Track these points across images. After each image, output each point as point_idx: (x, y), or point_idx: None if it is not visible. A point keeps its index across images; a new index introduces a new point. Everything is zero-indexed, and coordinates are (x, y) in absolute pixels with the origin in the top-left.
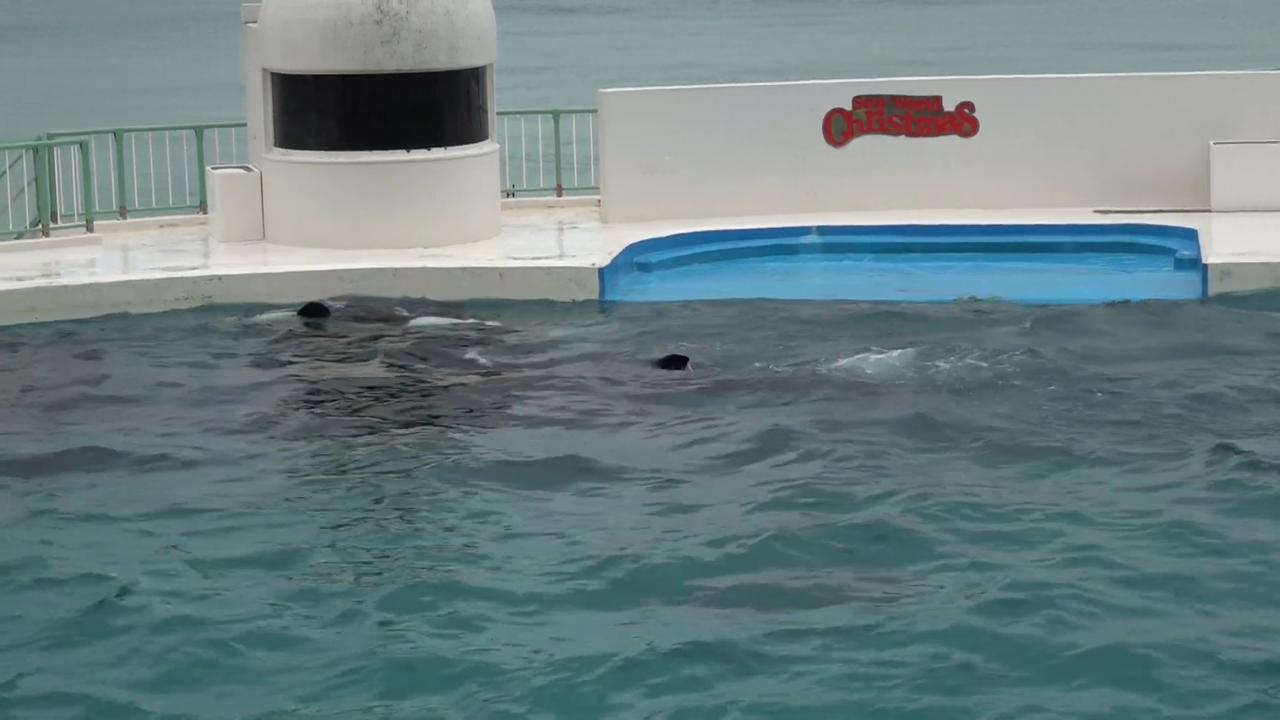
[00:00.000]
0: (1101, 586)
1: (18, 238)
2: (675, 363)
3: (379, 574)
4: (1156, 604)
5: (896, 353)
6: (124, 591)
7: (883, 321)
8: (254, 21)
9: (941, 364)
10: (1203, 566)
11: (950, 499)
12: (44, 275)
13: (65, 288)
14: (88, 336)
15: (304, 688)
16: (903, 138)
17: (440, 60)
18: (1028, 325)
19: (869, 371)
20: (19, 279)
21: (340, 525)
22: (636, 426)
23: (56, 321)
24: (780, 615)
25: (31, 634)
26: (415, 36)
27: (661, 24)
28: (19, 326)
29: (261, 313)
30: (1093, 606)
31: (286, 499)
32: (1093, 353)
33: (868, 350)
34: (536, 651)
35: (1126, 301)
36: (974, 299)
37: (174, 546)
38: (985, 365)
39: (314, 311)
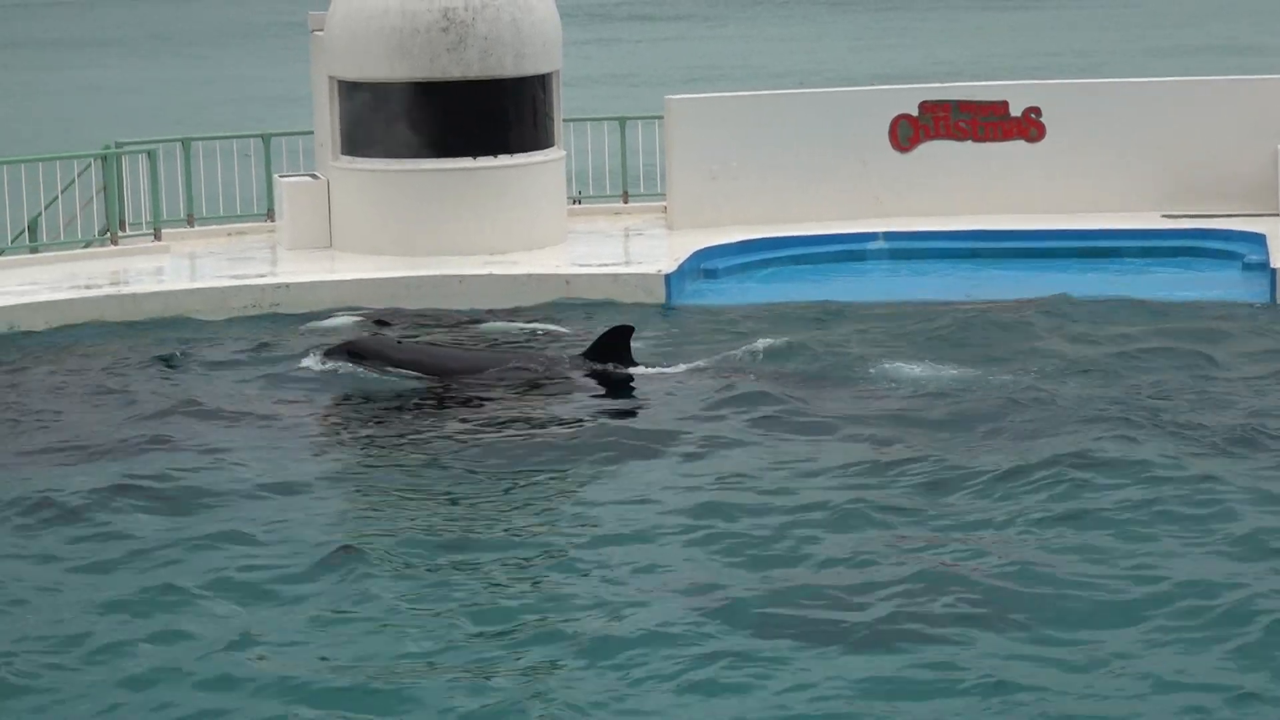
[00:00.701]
0: (1161, 592)
1: (86, 246)
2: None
3: (453, 578)
4: (1237, 622)
5: (961, 360)
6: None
7: (949, 327)
8: (321, 30)
9: (1007, 369)
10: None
11: (1012, 505)
12: (112, 284)
13: (134, 296)
14: (155, 344)
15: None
16: (969, 143)
17: (506, 67)
18: (1094, 329)
19: (936, 376)
20: (88, 287)
21: (420, 525)
22: (699, 431)
23: (124, 329)
24: (832, 619)
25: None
26: (481, 44)
27: (728, 31)
28: (88, 334)
29: (324, 319)
30: (1166, 619)
31: (353, 505)
32: (1158, 357)
33: (934, 355)
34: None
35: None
36: (1041, 302)
37: (247, 562)
38: (1051, 370)
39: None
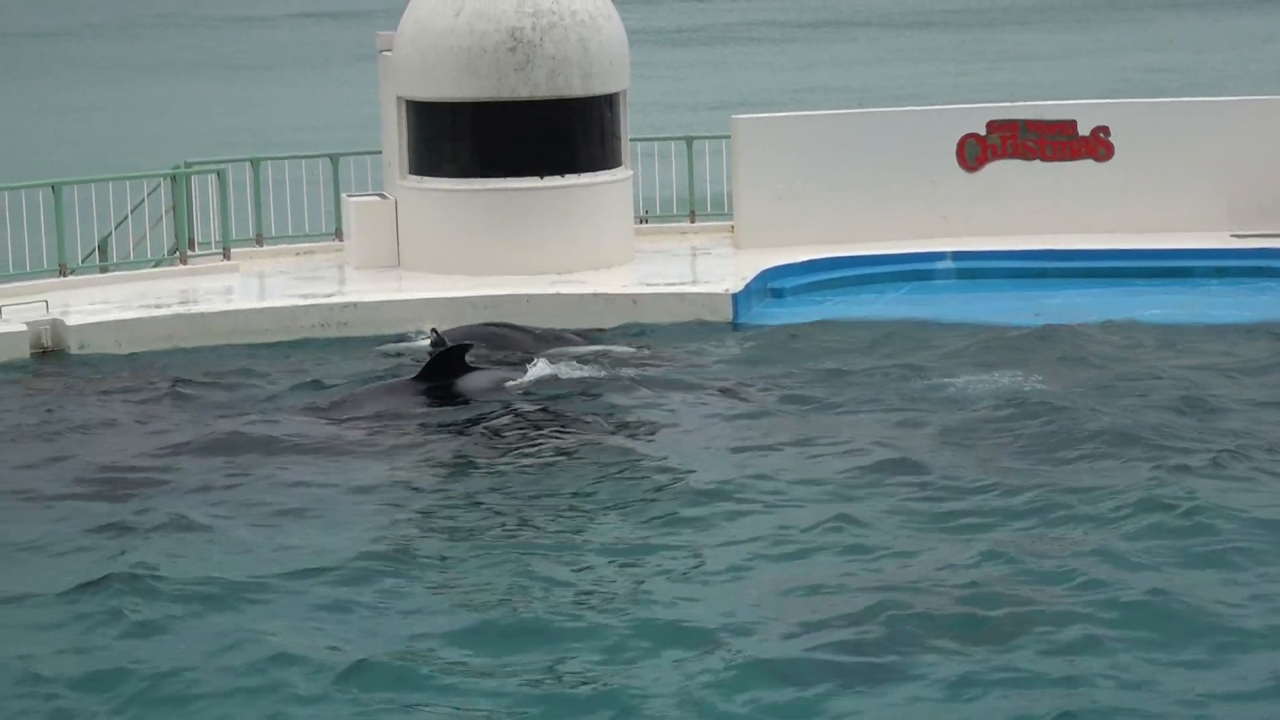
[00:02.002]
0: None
1: (156, 266)
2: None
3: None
4: None
5: (1023, 381)
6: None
7: (1017, 347)
8: (389, 50)
9: (1076, 388)
10: None
11: (1078, 525)
12: (182, 303)
13: (203, 315)
14: (225, 363)
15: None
16: (1037, 162)
17: (574, 87)
18: (1163, 349)
19: (1004, 396)
20: (157, 306)
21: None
22: (767, 449)
23: (194, 349)
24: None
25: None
26: (549, 64)
27: (795, 51)
28: (157, 354)
29: (398, 341)
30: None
31: (425, 522)
32: (1227, 377)
33: (1002, 375)
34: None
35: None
36: (1109, 323)
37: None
38: (1120, 390)
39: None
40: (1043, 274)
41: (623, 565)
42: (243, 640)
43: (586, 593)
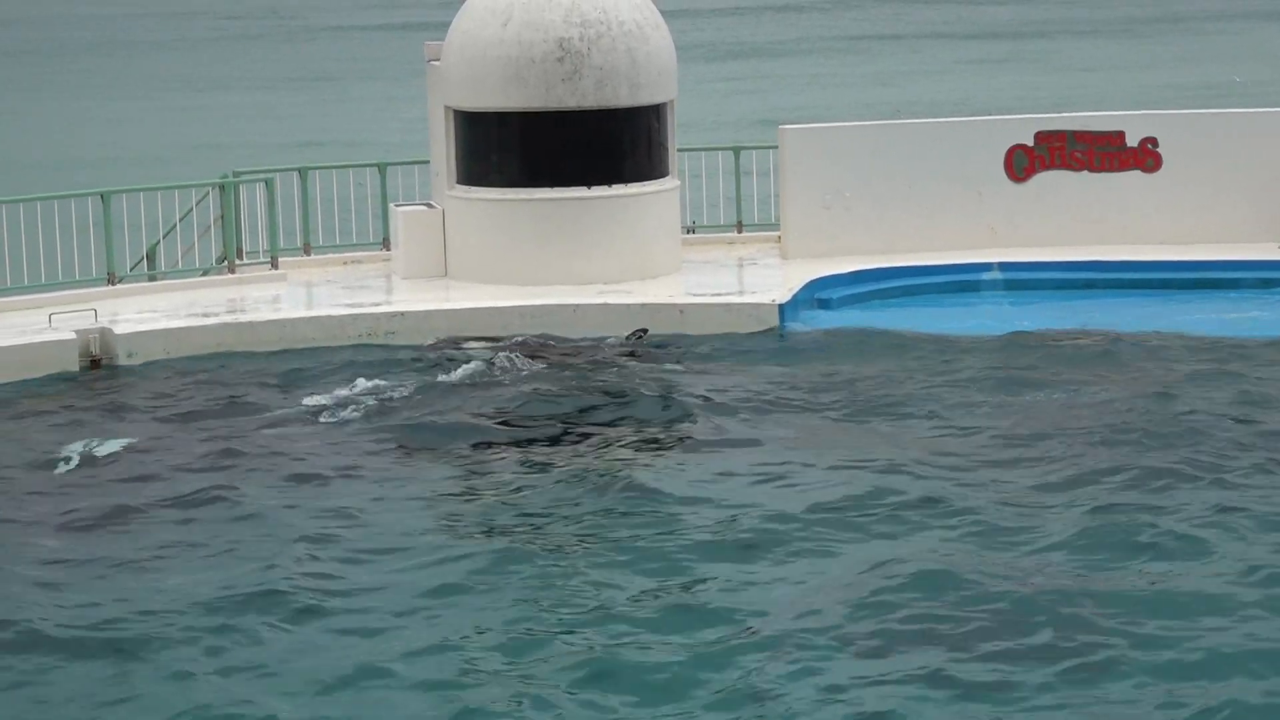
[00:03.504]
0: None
1: (204, 274)
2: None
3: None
4: None
5: (1076, 389)
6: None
7: (1064, 358)
8: (437, 59)
9: (1123, 400)
10: None
11: (1136, 541)
12: (230, 311)
13: (250, 324)
14: (272, 372)
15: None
16: (1085, 173)
17: (621, 97)
18: (1210, 362)
19: (1050, 409)
20: (205, 315)
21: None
22: (809, 460)
23: (242, 357)
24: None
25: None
26: (596, 74)
27: (841, 62)
28: (205, 361)
29: (455, 348)
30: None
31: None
32: (1272, 390)
33: (1049, 386)
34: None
35: None
36: (1157, 334)
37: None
38: (1167, 401)
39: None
40: (1090, 285)
41: (656, 573)
42: (288, 652)
43: (636, 599)
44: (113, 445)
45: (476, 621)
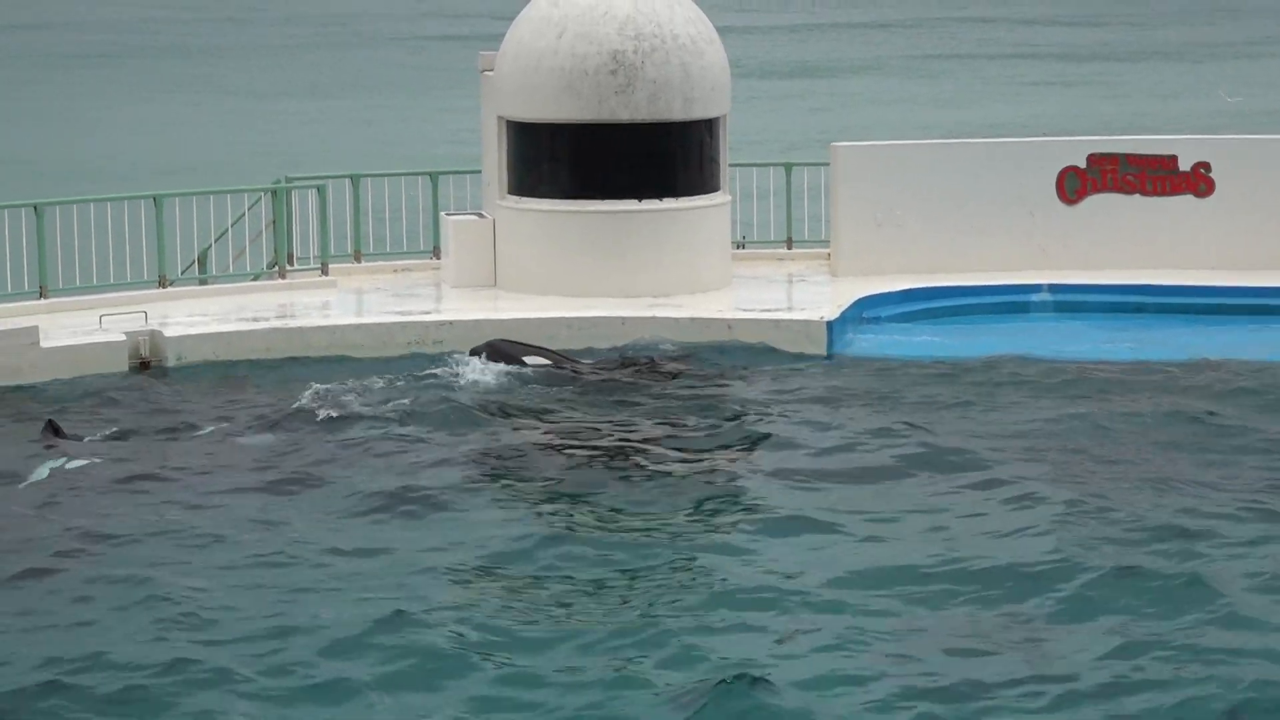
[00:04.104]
0: None
1: (255, 279)
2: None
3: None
4: None
5: (1120, 413)
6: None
7: (1113, 381)
8: (490, 70)
9: (1170, 425)
10: None
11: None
12: (279, 317)
13: (300, 329)
14: (320, 377)
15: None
16: (1137, 196)
17: (674, 111)
18: (1260, 387)
19: (1095, 432)
20: (255, 320)
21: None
22: (853, 476)
23: (290, 362)
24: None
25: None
26: (650, 87)
27: (896, 83)
28: (254, 366)
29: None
30: None
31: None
32: None
33: (1094, 409)
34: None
35: None
36: (1206, 360)
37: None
38: (1215, 427)
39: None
40: (1140, 309)
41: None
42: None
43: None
44: (154, 446)
45: (515, 633)
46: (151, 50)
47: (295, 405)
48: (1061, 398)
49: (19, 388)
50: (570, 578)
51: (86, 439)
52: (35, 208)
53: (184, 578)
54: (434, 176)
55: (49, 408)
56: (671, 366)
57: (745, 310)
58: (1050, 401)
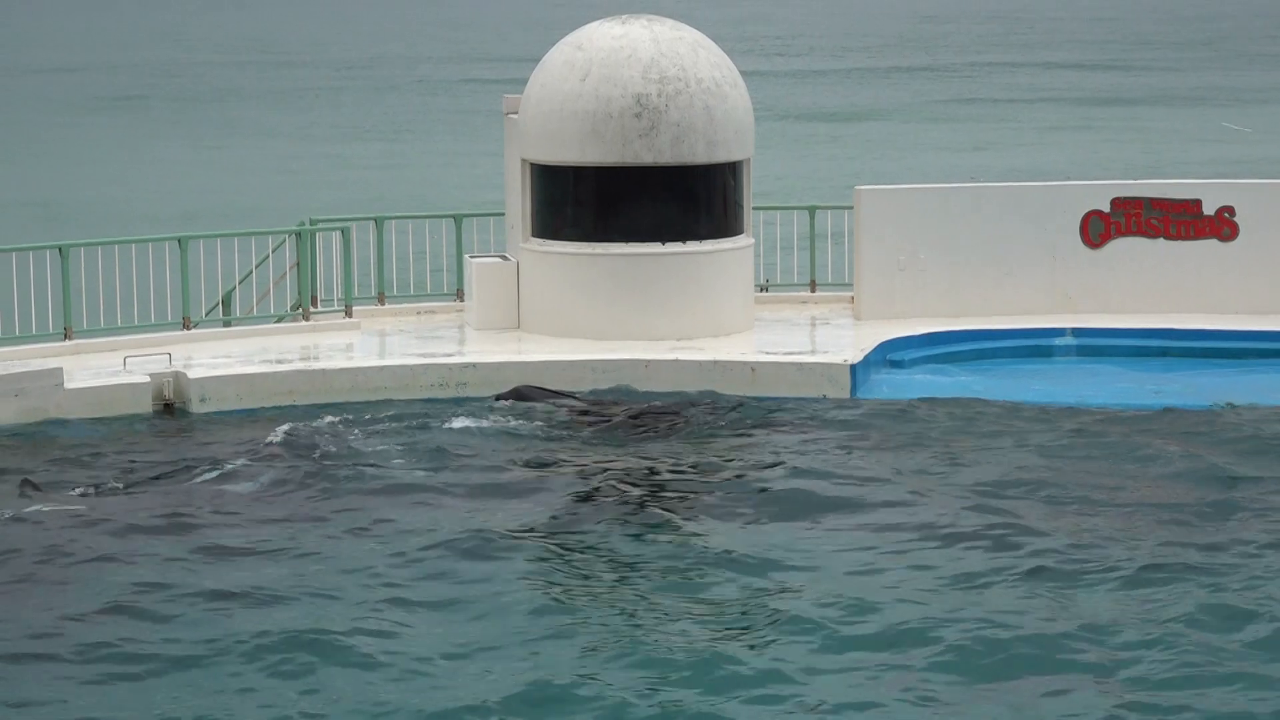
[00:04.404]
0: None
1: (278, 321)
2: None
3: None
4: None
5: (1147, 460)
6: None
7: (1136, 427)
8: (515, 113)
9: (1195, 471)
10: None
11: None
12: (303, 359)
13: (323, 371)
14: (344, 420)
15: None
16: (1161, 241)
17: (698, 154)
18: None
19: (1120, 477)
20: (279, 362)
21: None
22: (878, 522)
23: (314, 405)
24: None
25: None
26: (673, 130)
27: (916, 127)
28: (278, 409)
29: (522, 401)
30: None
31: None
32: None
33: (1118, 455)
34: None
35: None
36: (1231, 405)
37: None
38: (1239, 474)
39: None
40: (1164, 353)
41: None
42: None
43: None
44: (180, 487)
45: (532, 663)
46: (178, 93)
47: (316, 446)
48: (1085, 442)
49: (43, 427)
50: (603, 623)
51: (73, 490)
52: (60, 249)
53: (215, 620)
54: (458, 219)
55: (72, 448)
56: (695, 410)
57: (768, 353)
58: (1074, 446)
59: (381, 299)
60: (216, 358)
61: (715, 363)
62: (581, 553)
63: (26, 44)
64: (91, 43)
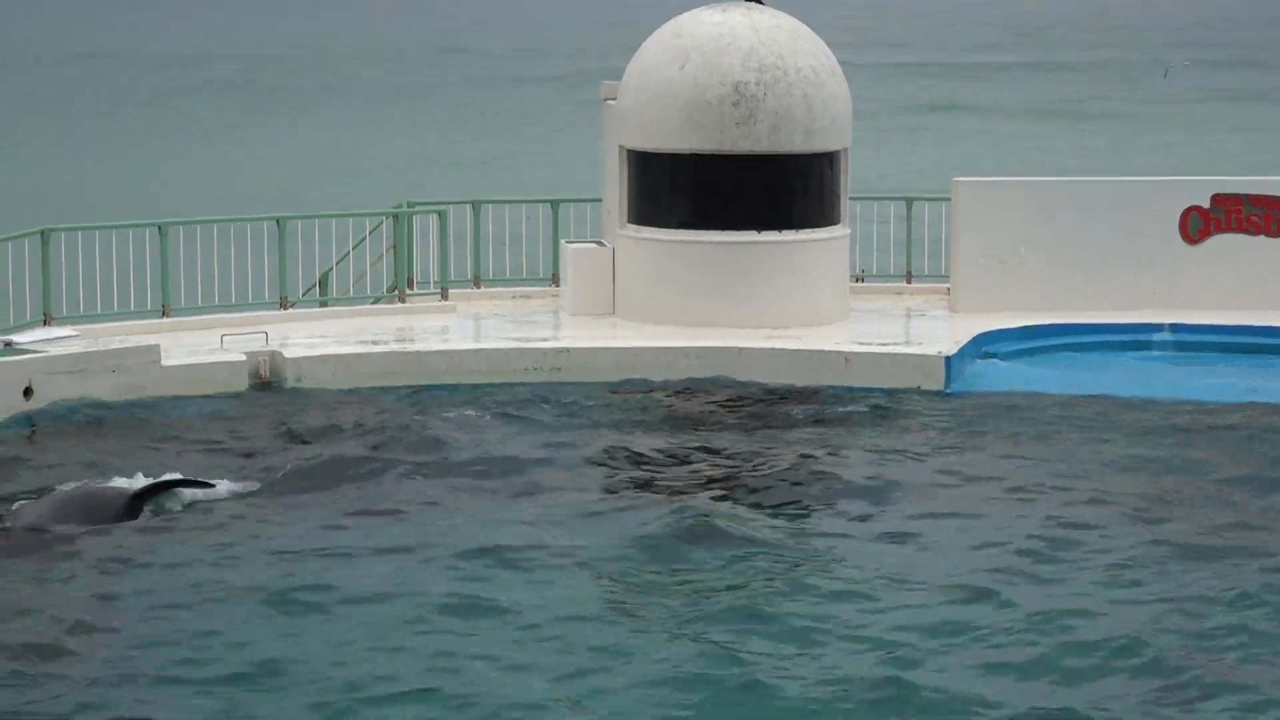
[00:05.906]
0: None
1: (375, 303)
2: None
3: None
4: None
5: (1240, 456)
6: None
7: (1231, 425)
8: (613, 99)
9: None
10: None
11: None
12: (399, 340)
13: (419, 353)
14: (437, 401)
15: None
16: (1261, 238)
17: (795, 143)
18: None
19: (1210, 475)
20: (375, 343)
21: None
22: (973, 515)
23: (408, 386)
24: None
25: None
26: (771, 119)
27: (1021, 124)
28: (372, 390)
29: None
30: None
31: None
32: None
33: (1208, 452)
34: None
35: None
36: None
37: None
38: None
39: None
40: (1259, 350)
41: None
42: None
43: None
44: (273, 466)
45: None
46: (282, 83)
47: (412, 428)
48: (1181, 438)
49: (140, 404)
50: (695, 604)
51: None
52: (159, 227)
53: (337, 605)
54: (555, 204)
55: (168, 425)
56: (790, 404)
57: (863, 343)
58: (1169, 441)
59: (477, 282)
60: (312, 338)
61: (810, 351)
62: (679, 537)
63: (155, 34)
64: (213, 35)
